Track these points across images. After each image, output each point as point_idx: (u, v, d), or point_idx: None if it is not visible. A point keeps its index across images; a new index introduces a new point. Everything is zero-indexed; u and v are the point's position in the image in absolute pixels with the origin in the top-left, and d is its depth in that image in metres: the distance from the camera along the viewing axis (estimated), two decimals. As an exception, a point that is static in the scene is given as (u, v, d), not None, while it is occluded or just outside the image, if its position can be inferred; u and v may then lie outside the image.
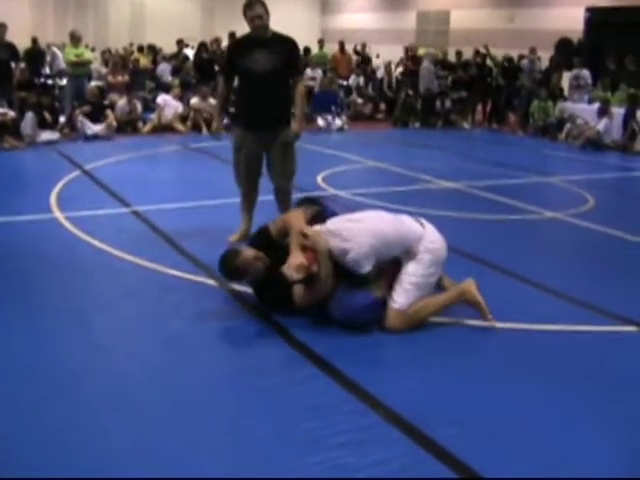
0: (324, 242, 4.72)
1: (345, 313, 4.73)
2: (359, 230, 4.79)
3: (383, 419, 3.70)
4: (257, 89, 6.42)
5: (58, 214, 7.53)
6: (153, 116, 15.23)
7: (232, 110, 6.96)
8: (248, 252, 4.94)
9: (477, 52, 19.04)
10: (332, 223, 4.95)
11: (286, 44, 6.51)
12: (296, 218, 5.02)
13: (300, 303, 4.85)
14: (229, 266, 4.97)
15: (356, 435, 3.53)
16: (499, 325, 4.92)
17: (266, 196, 6.87)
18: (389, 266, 4.94)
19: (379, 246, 4.75)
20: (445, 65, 19.10)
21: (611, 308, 5.37)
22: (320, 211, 5.26)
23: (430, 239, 4.92)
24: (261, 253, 4.94)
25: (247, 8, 6.31)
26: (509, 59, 18.22)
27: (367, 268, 4.71)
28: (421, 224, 5.03)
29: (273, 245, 5.05)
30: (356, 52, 22.95)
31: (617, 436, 3.64)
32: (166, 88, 16.68)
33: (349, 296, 4.74)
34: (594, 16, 21.83)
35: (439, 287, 5.16)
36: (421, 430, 3.59)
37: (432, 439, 3.51)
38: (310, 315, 4.90)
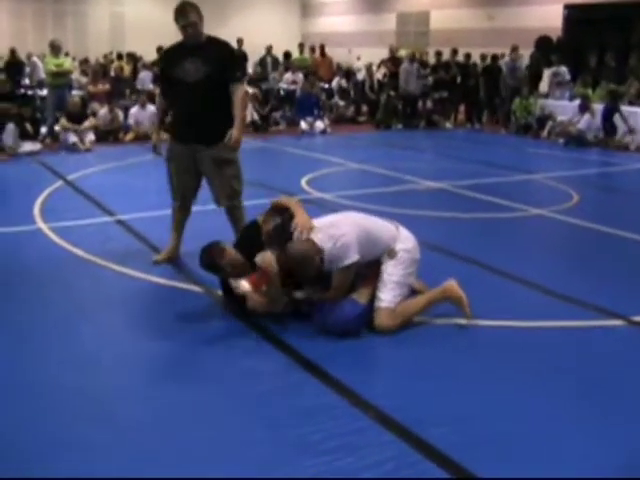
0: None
1: (337, 324, 4.75)
2: (345, 219, 5.00)
3: (375, 421, 3.69)
4: (188, 100, 5.96)
5: (42, 225, 7.49)
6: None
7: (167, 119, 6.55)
8: (232, 255, 4.95)
9: (454, 51, 19.05)
10: (316, 220, 5.01)
11: (221, 50, 6.01)
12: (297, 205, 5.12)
13: (251, 309, 4.95)
14: (210, 262, 4.99)
15: (349, 438, 3.52)
16: (487, 323, 4.92)
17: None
18: (368, 271, 4.96)
19: (363, 237, 4.81)
20: (425, 65, 19.15)
21: (598, 302, 5.39)
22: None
23: (405, 238, 5.02)
24: (244, 260, 4.94)
25: (179, 15, 5.83)
26: (493, 57, 18.21)
27: (353, 258, 4.72)
28: (395, 225, 5.13)
29: (259, 245, 5.02)
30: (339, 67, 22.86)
31: (607, 433, 3.64)
32: (149, 96, 16.59)
33: (338, 307, 4.75)
34: (572, 13, 21.91)
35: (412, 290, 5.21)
36: (413, 431, 3.58)
37: (424, 440, 3.51)
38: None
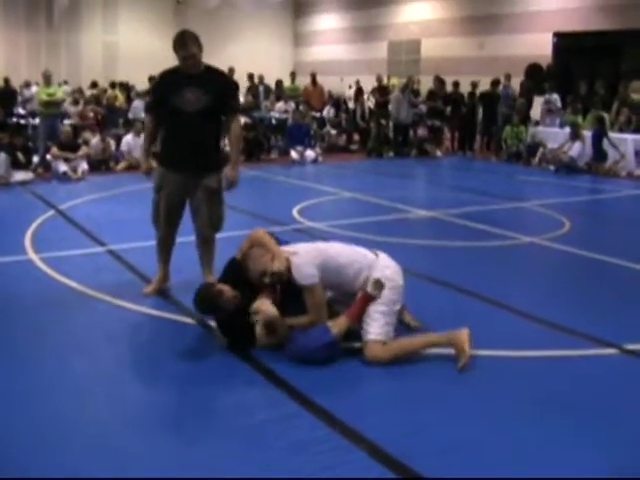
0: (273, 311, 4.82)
1: (301, 352, 4.75)
2: (305, 245, 5.09)
3: (367, 454, 3.66)
4: (185, 129, 5.91)
5: (33, 255, 7.46)
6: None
7: (155, 147, 6.44)
8: (228, 293, 4.94)
9: (440, 81, 19.20)
10: (288, 246, 5.10)
11: (220, 80, 6.01)
12: (265, 236, 5.11)
13: (259, 344, 4.95)
14: (209, 304, 4.98)
15: (341, 470, 3.49)
16: (480, 353, 4.90)
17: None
18: (348, 299, 4.97)
19: (325, 262, 4.84)
20: (416, 94, 19.25)
21: (591, 331, 5.39)
22: (276, 238, 5.25)
23: (384, 267, 4.99)
24: (237, 292, 4.94)
25: (179, 46, 5.77)
26: (493, 82, 18.30)
27: (310, 280, 4.76)
28: (375, 253, 5.14)
29: (242, 279, 5.01)
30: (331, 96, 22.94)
31: (603, 462, 3.61)
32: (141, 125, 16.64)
33: (304, 335, 4.76)
34: (562, 41, 22.12)
35: (400, 322, 5.20)
36: (405, 463, 3.55)
37: (417, 472, 3.48)
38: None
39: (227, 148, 6.72)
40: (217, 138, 6.12)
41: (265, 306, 4.83)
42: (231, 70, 19.80)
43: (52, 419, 4.04)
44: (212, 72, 6.00)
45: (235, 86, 6.45)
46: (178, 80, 5.88)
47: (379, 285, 4.86)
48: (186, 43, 5.75)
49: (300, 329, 4.82)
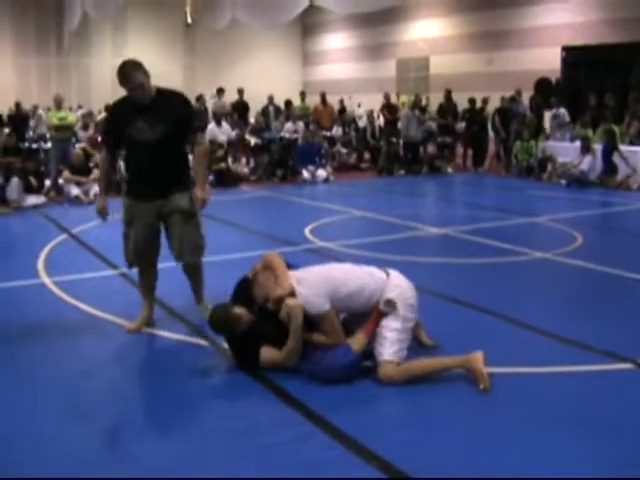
0: (300, 313, 4.73)
1: (328, 370, 4.74)
2: (314, 273, 4.96)
3: (381, 472, 3.64)
4: (146, 159, 5.60)
5: (46, 279, 7.48)
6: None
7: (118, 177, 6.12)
8: (245, 317, 4.94)
9: (448, 97, 19.29)
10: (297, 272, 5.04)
11: (175, 102, 5.69)
12: (276, 260, 5.02)
13: (263, 363, 4.92)
14: (224, 327, 5.00)
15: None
16: (495, 370, 4.86)
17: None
18: (365, 318, 4.94)
19: (334, 291, 4.78)
20: (424, 111, 19.29)
21: (606, 346, 5.35)
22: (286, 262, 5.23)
23: (395, 286, 4.94)
24: (249, 313, 4.93)
25: (123, 80, 5.48)
26: (511, 98, 18.35)
27: (321, 308, 4.72)
28: (386, 272, 5.08)
29: (252, 299, 5.00)
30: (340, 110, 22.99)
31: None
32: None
33: (331, 354, 4.74)
34: (570, 55, 22.17)
35: (415, 339, 5.17)
36: (420, 483, 3.53)
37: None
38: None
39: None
40: (182, 161, 5.86)
41: (296, 307, 4.76)
42: (241, 91, 19.91)
43: (61, 440, 4.04)
44: (165, 95, 5.69)
45: (192, 105, 6.16)
46: (130, 111, 5.60)
47: (392, 305, 4.85)
48: (129, 75, 5.46)
49: (316, 347, 4.80)
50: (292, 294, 4.77)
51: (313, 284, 4.80)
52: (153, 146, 5.54)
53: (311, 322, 4.80)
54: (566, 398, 4.54)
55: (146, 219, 5.75)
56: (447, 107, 19.29)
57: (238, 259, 6.70)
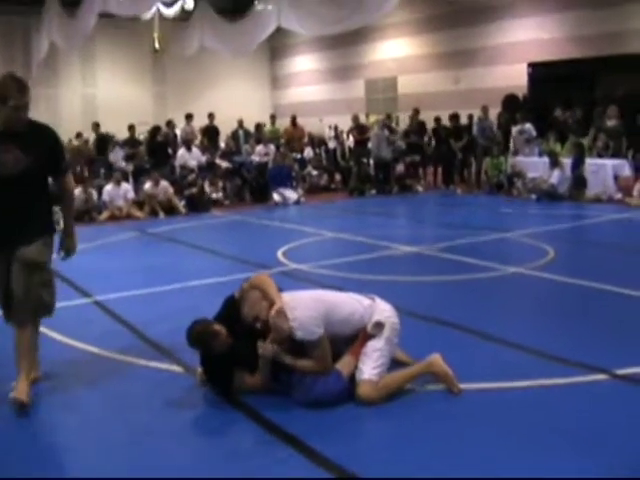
0: (286, 329, 4.71)
1: (321, 397, 4.71)
2: (305, 297, 4.93)
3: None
4: (6, 196, 4.88)
5: None
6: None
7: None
8: (223, 337, 4.91)
9: (415, 116, 19.45)
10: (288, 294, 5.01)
11: (45, 137, 5.03)
12: (267, 281, 5.01)
13: (238, 389, 4.92)
14: (201, 342, 4.96)
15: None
16: (470, 386, 4.88)
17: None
18: (348, 341, 4.94)
19: (326, 316, 4.76)
20: (393, 131, 19.39)
21: (581, 358, 5.38)
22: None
23: (382, 311, 4.98)
24: (231, 339, 4.92)
25: (14, 91, 4.75)
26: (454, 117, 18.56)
27: (314, 335, 4.69)
28: (370, 298, 5.11)
29: (238, 319, 4.96)
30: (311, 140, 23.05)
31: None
32: (123, 174, 16.70)
33: (323, 381, 4.72)
34: (536, 71, 22.42)
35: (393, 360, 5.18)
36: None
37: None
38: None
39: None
40: (43, 201, 5.14)
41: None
42: (211, 115, 19.92)
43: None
44: (36, 128, 5.02)
45: (61, 143, 5.45)
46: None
47: (380, 327, 4.88)
48: (23, 89, 4.81)
49: (303, 374, 4.76)
50: (285, 316, 4.73)
51: (306, 307, 4.77)
52: (14, 180, 4.86)
53: (296, 348, 4.79)
54: (544, 411, 4.55)
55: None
56: (415, 126, 19.43)
57: (212, 284, 6.67)
